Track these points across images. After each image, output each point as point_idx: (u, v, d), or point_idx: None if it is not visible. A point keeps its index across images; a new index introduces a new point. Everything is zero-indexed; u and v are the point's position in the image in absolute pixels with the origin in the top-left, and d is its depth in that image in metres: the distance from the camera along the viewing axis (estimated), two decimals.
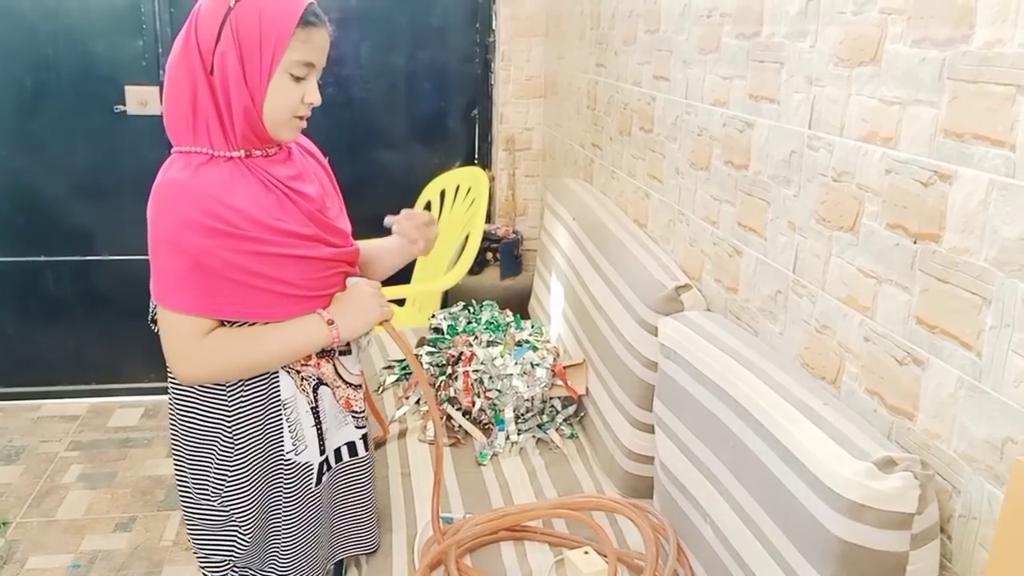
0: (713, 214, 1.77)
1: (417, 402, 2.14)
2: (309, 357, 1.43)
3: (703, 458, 1.46)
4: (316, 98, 1.35)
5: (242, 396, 1.38)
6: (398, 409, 2.14)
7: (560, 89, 3.10)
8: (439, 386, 2.10)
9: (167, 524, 2.55)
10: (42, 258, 3.24)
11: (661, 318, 1.70)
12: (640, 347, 1.76)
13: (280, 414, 1.41)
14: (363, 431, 1.55)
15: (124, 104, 3.10)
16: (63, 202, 3.20)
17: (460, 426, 2.04)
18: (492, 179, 3.41)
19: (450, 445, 2.01)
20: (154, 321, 1.35)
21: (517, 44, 3.31)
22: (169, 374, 1.41)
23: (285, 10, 1.27)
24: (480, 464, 1.94)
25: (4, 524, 2.52)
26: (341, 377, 1.50)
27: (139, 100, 3.09)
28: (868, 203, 1.25)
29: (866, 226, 1.25)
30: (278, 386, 1.40)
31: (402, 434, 2.06)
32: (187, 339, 1.30)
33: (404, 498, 1.79)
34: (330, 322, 1.38)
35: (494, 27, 3.32)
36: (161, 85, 3.07)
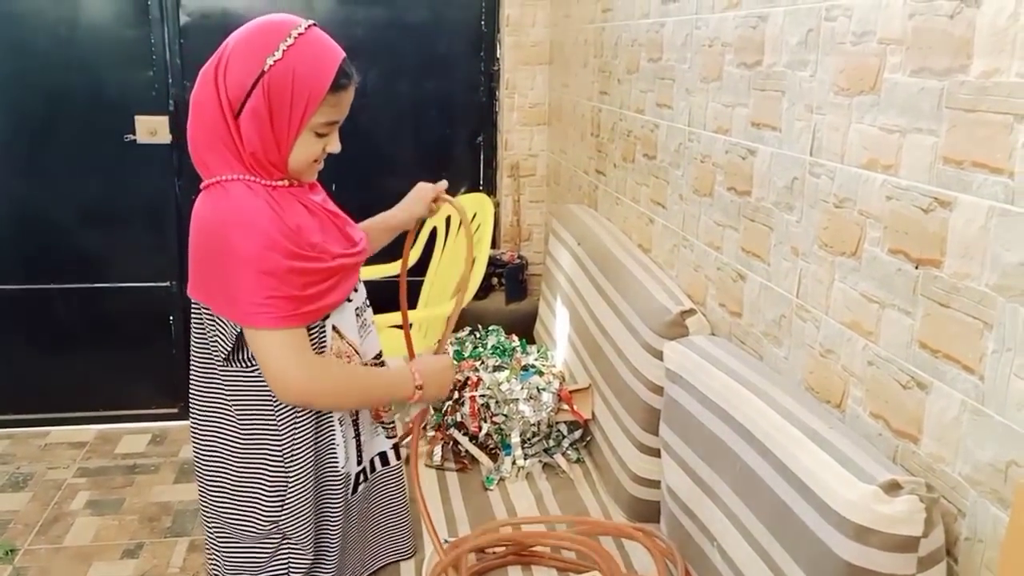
0: (717, 239, 1.79)
1: (424, 427, 2.15)
2: None
3: (709, 482, 1.46)
4: (336, 147, 1.40)
5: (296, 414, 1.38)
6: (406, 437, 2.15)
7: (564, 116, 3.13)
8: (446, 411, 2.12)
9: (174, 551, 2.55)
10: (52, 285, 3.26)
11: (666, 343, 1.71)
12: (645, 371, 1.77)
13: (333, 428, 1.43)
14: (393, 440, 1.61)
15: (134, 133, 3.14)
16: (73, 230, 3.22)
17: (467, 451, 2.04)
18: (497, 205, 3.44)
19: (457, 470, 2.02)
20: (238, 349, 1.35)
21: (521, 72, 3.36)
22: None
23: (318, 74, 1.28)
24: (487, 489, 1.94)
25: (11, 552, 2.52)
26: None
27: (149, 129, 3.13)
28: (870, 229, 1.26)
29: (868, 252, 1.27)
30: None
31: (407, 460, 2.06)
32: (297, 352, 1.31)
33: (412, 523, 1.79)
34: (419, 387, 1.46)
35: (499, 56, 3.37)
36: (170, 115, 3.11)
